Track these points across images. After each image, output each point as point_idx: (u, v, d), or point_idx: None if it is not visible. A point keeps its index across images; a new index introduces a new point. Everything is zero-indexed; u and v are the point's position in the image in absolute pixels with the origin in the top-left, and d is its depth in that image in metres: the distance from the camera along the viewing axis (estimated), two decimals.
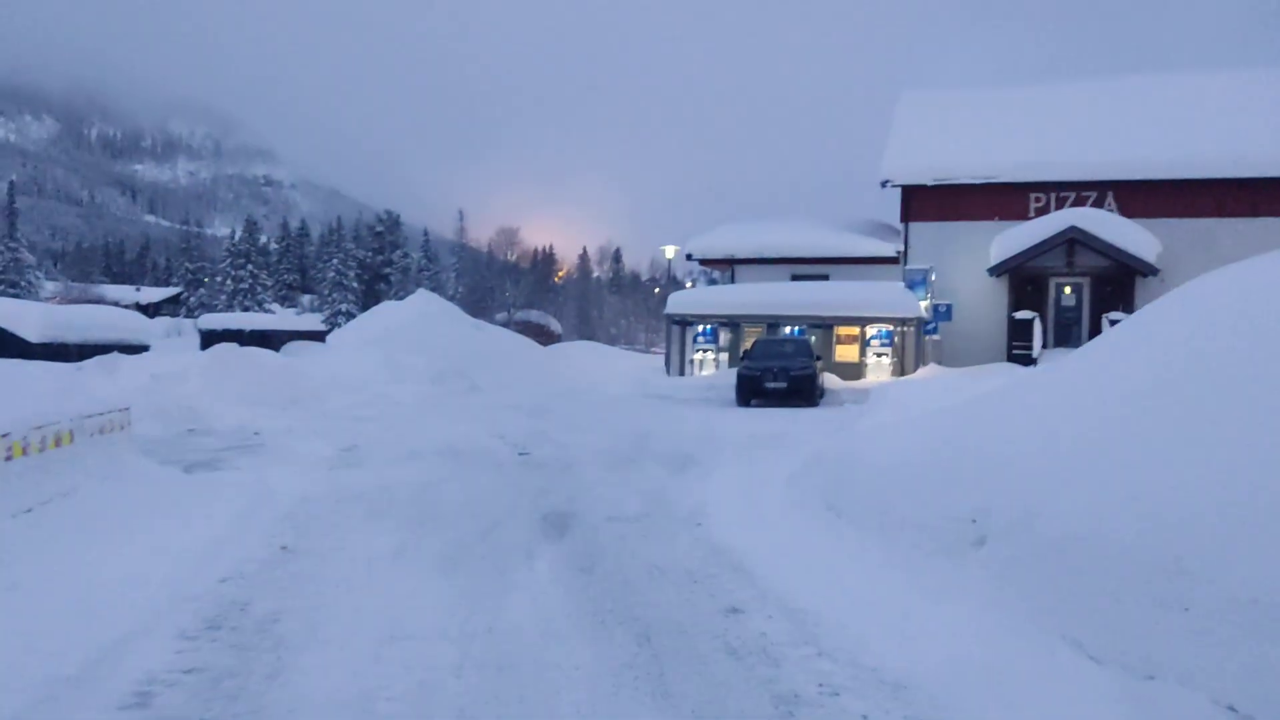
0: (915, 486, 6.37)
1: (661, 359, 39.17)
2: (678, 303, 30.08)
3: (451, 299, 61.49)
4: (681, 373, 30.35)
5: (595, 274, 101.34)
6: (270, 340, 28.65)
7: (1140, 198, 28.05)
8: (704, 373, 29.71)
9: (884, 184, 30.27)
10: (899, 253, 30.34)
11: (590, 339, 63.70)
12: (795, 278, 31.41)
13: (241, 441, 16.47)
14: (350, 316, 56.80)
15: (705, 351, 30.07)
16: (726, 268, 33.17)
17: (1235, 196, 27.35)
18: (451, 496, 10.83)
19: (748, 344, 29.21)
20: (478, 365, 30.89)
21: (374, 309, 40.89)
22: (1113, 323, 26.88)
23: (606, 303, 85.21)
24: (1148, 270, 26.55)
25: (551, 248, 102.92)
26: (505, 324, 58.70)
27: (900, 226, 31.11)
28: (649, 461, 13.93)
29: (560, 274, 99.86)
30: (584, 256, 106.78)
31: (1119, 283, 27.99)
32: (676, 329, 30.53)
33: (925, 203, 30.18)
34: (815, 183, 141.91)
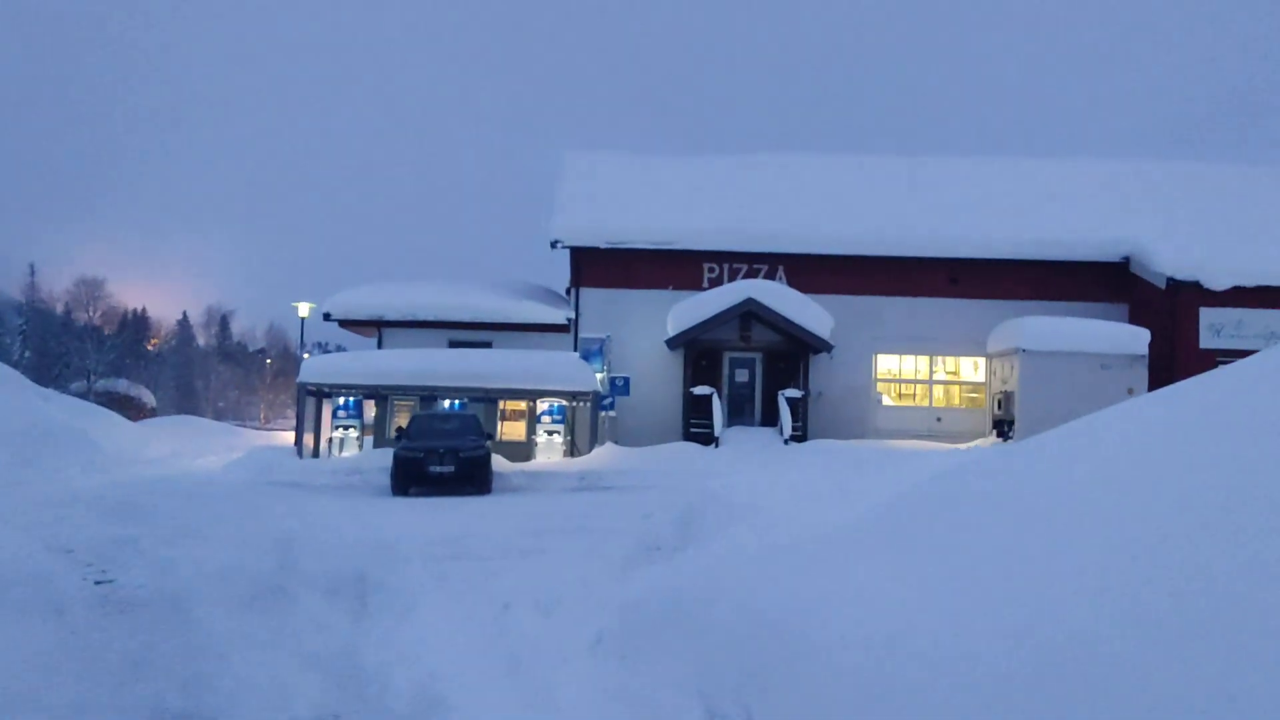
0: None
1: (287, 437, 33.52)
2: (314, 370, 25.10)
3: (16, 365, 50.77)
4: (316, 454, 25.29)
5: (199, 341, 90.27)
6: None
7: (810, 272, 27.42)
8: (346, 454, 24.89)
9: (554, 245, 27.50)
10: (569, 320, 27.55)
11: (193, 414, 55.25)
12: (454, 344, 27.58)
13: None
14: None
15: (347, 429, 25.24)
16: (373, 331, 28.62)
17: (898, 275, 27.45)
18: None
19: (400, 420, 24.88)
20: (41, 445, 23.83)
21: None
22: (788, 400, 25.73)
23: (214, 373, 75.58)
24: (822, 346, 25.71)
25: (145, 310, 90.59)
26: (84, 394, 49.12)
27: (570, 294, 28.47)
28: (306, 590, 9.47)
29: (155, 340, 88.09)
30: (185, 321, 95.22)
31: (792, 358, 27.02)
32: (311, 401, 25.48)
33: (596, 267, 27.73)
34: (477, 248, 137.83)
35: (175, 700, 5.92)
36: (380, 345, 28.20)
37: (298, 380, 25.38)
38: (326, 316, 27.96)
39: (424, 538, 13.23)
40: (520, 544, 12.37)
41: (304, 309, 32.71)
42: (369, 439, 26.16)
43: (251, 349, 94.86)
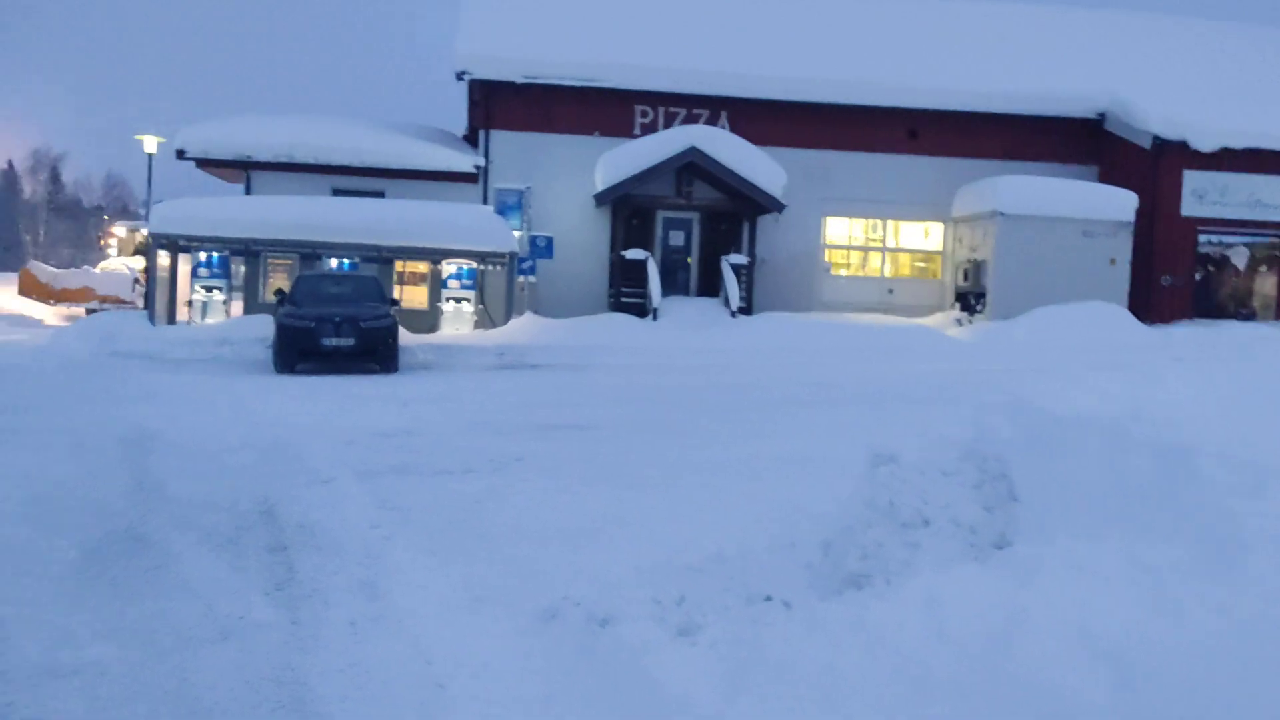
0: None
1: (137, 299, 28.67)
2: (170, 218, 20.47)
3: None
4: (172, 320, 20.96)
5: (28, 192, 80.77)
6: None
7: (756, 120, 23.85)
8: (210, 320, 20.62)
9: (460, 76, 23.20)
10: (479, 168, 23.47)
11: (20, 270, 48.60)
12: (338, 192, 23.22)
13: None
14: None
15: (212, 290, 20.86)
16: (238, 175, 23.85)
17: (852, 127, 24.22)
18: None
19: (279, 281, 20.72)
20: None
21: None
22: (733, 267, 22.58)
23: (45, 226, 67.50)
24: (774, 206, 22.47)
25: None
26: None
27: (473, 139, 24.33)
28: (181, 539, 5.90)
29: None
30: (10, 170, 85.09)
31: (734, 219, 23.74)
32: (166, 257, 20.97)
33: (511, 106, 23.58)
34: (357, 84, 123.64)
35: None
36: (249, 190, 23.60)
37: (149, 230, 20.79)
38: (180, 154, 23.07)
39: (340, 436, 9.69)
40: (485, 448, 8.95)
41: (151, 144, 27.38)
42: (238, 303, 21.92)
43: (87, 204, 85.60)
